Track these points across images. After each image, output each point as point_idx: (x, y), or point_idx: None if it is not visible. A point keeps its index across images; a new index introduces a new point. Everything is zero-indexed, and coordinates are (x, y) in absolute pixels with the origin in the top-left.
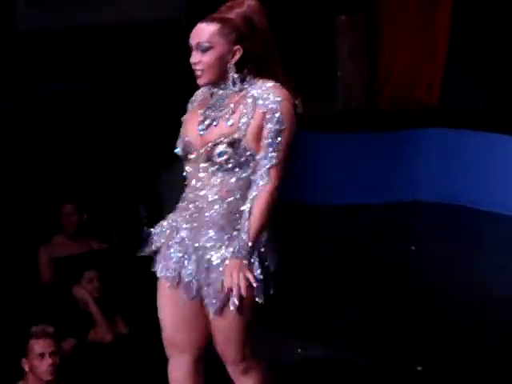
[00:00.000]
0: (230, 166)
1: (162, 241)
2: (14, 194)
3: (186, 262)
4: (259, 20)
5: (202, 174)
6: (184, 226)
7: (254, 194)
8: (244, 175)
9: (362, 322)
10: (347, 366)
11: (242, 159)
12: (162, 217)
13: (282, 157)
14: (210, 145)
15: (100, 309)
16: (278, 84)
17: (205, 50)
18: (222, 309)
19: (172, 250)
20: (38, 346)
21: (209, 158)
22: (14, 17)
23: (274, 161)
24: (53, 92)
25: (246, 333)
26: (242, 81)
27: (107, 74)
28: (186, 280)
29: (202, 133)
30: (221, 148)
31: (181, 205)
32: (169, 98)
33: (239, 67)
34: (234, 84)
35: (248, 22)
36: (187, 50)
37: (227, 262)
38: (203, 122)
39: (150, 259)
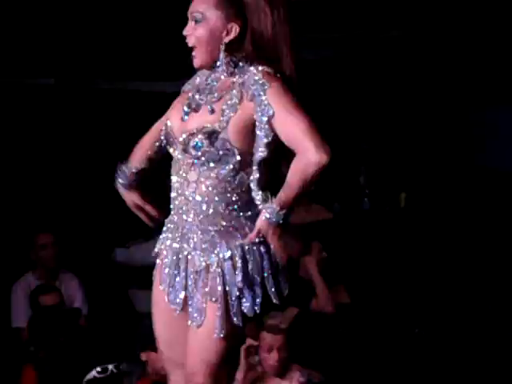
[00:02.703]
0: (205, 160)
1: (156, 250)
2: None
3: (175, 272)
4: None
5: (180, 167)
6: (171, 233)
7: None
8: (222, 172)
9: None
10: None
11: (220, 153)
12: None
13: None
14: (187, 134)
15: (323, 279)
16: (272, 70)
17: (197, 22)
18: (202, 323)
19: (166, 261)
20: (269, 339)
21: (185, 150)
22: None
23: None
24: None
25: (221, 357)
26: (235, 65)
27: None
28: (173, 291)
29: (184, 118)
30: (197, 139)
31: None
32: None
33: (236, 48)
34: (224, 67)
35: None
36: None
37: (213, 268)
38: (188, 106)
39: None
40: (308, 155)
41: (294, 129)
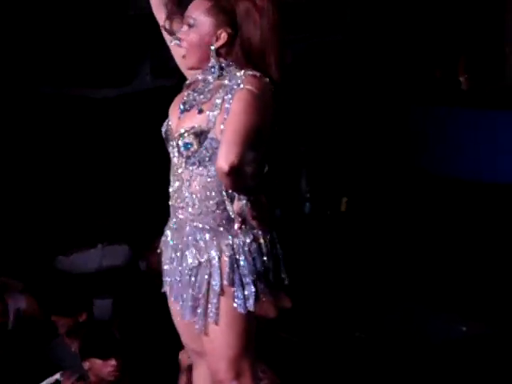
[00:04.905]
0: (196, 159)
1: (160, 247)
2: None
3: (170, 267)
4: (262, 7)
5: (175, 165)
6: (169, 230)
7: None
8: (212, 171)
9: None
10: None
11: (209, 153)
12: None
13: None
14: (178, 134)
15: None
16: (259, 74)
17: (190, 27)
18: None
19: (163, 259)
20: None
21: (178, 149)
22: None
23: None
24: None
25: (237, 342)
26: (222, 68)
27: None
28: (169, 286)
29: (180, 116)
30: (186, 139)
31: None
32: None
33: (227, 53)
34: (213, 70)
35: (245, 7)
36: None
37: (203, 266)
38: (184, 104)
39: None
40: (218, 158)
41: (226, 132)
